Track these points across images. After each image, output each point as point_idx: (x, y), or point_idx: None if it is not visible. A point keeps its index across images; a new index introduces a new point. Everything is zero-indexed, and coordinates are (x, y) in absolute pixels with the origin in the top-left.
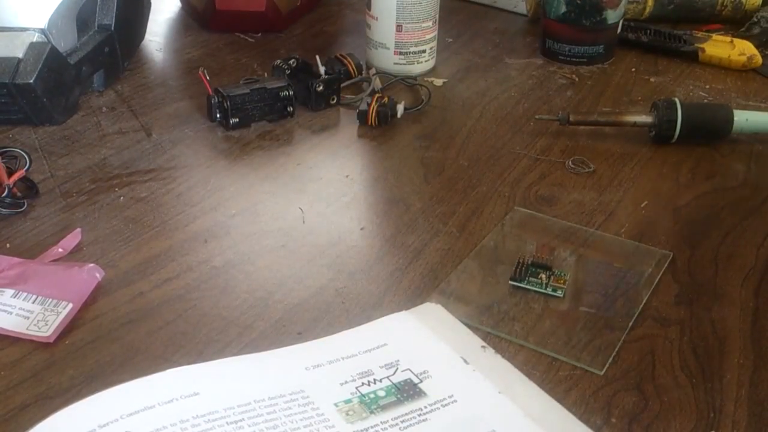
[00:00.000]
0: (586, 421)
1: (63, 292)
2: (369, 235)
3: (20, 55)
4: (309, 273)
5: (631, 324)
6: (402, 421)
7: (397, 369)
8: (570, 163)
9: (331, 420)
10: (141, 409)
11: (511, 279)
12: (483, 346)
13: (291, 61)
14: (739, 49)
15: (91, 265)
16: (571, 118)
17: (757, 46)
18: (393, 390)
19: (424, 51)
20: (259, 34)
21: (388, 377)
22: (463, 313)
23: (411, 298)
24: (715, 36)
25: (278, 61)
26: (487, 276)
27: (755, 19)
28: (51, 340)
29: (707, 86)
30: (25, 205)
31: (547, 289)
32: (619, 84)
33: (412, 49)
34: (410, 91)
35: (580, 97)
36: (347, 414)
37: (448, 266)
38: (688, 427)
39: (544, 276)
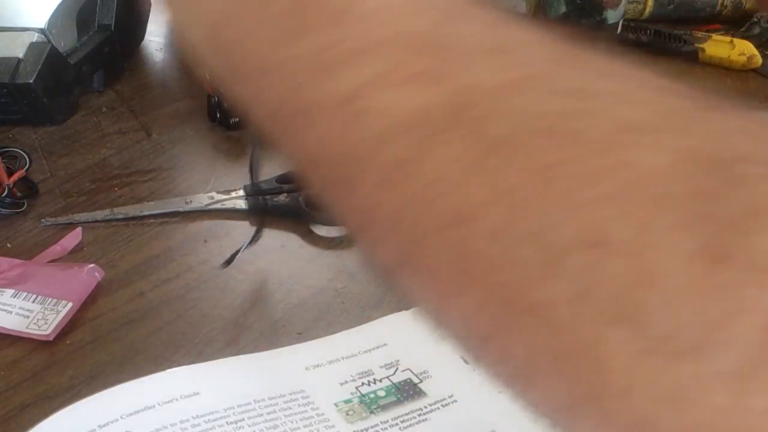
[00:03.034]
0: None
1: (63, 291)
2: None
3: (20, 55)
4: (309, 273)
5: None
6: (402, 421)
7: (397, 369)
8: None
9: (331, 420)
10: (141, 409)
11: None
12: None
13: None
14: (739, 49)
15: (91, 265)
16: None
17: (757, 46)
18: (393, 390)
19: None
20: None
21: (388, 377)
22: None
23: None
24: (715, 36)
25: None
26: None
27: (755, 19)
28: (50, 339)
29: (707, 86)
30: (25, 205)
31: None
32: None
33: None
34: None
35: None
36: (347, 414)
37: None
38: None
39: None
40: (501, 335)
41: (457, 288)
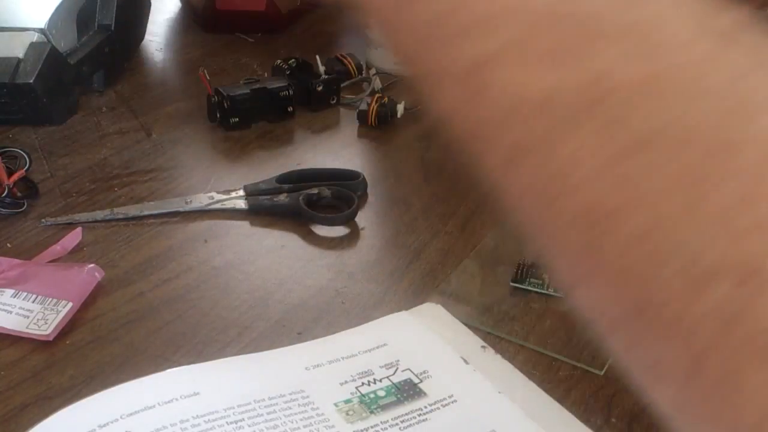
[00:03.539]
0: (586, 421)
1: (63, 291)
2: (369, 235)
3: (20, 55)
4: (309, 273)
5: None
6: (402, 421)
7: (397, 369)
8: None
9: (331, 420)
10: (141, 409)
11: (513, 281)
12: (483, 346)
13: (291, 61)
14: None
15: (91, 265)
16: None
17: None
18: (393, 390)
19: None
20: (259, 34)
21: (388, 377)
22: (463, 313)
23: (411, 298)
24: None
25: (278, 61)
26: (488, 276)
27: None
28: (50, 339)
29: None
30: (25, 205)
31: (549, 289)
32: None
33: None
34: (410, 91)
35: None
36: (347, 414)
37: (448, 266)
38: None
39: (546, 276)
40: (630, 338)
41: (589, 278)
